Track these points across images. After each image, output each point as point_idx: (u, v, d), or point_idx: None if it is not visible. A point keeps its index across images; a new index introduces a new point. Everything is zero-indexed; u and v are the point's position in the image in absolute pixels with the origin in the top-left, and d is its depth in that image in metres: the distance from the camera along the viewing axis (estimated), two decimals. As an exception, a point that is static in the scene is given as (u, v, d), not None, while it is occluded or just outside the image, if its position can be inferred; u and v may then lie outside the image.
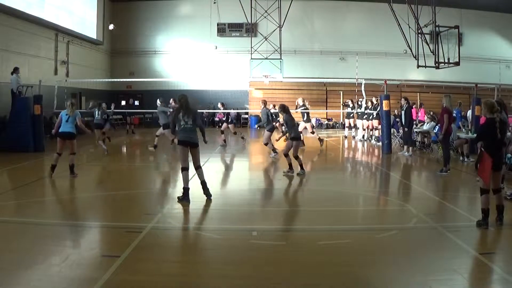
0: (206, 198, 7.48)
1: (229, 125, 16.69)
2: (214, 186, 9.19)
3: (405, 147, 14.19)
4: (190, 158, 7.48)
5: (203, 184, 7.46)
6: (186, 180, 7.32)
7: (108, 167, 11.67)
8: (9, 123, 14.59)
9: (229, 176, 10.91)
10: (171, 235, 5.89)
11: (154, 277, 4.27)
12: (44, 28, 19.93)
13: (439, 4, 18.39)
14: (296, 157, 10.08)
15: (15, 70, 15.26)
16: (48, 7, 19.75)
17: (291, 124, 10.16)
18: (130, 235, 5.46)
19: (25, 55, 18.45)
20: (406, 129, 13.96)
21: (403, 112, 13.97)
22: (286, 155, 10.17)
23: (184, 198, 7.22)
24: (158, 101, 14.30)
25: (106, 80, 25.98)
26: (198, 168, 7.49)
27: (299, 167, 10.07)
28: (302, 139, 11.59)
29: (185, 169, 7.34)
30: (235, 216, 6.98)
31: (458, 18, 24.75)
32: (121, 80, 24.06)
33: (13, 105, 14.59)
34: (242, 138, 17.77)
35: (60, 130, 9.35)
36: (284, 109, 10.36)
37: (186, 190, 7.26)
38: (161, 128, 14.04)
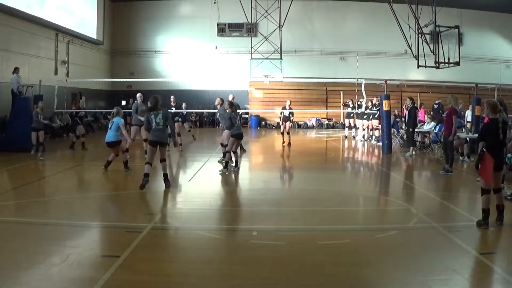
0: (205, 198, 7.47)
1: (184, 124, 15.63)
2: (214, 186, 9.20)
3: (411, 148, 14.01)
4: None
5: (165, 176, 8.37)
6: (147, 169, 8.23)
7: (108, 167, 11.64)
8: (9, 123, 14.58)
9: (228, 176, 10.90)
10: (171, 235, 5.89)
11: (154, 277, 4.27)
12: (44, 28, 19.93)
13: (439, 4, 18.38)
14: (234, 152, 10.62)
15: (15, 70, 15.26)
16: (48, 7, 19.75)
17: (234, 121, 10.40)
18: (130, 235, 5.46)
19: (25, 55, 18.45)
20: (410, 129, 13.92)
21: (407, 112, 14.01)
22: (234, 151, 10.61)
23: (143, 181, 8.12)
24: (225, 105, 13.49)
25: (106, 80, 25.99)
26: (162, 161, 8.41)
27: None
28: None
29: (148, 163, 8.30)
30: (235, 216, 6.99)
31: (458, 18, 24.73)
32: (121, 80, 24.06)
33: (13, 105, 14.59)
34: (193, 137, 17.22)
35: (106, 139, 10.26)
36: (232, 105, 10.64)
37: (146, 174, 8.18)
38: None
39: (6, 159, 11.25)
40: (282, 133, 16.91)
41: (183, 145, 14.96)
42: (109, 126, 10.29)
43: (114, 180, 9.95)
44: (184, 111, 19.22)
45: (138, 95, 13.15)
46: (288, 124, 16.77)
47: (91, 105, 23.54)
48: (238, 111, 14.52)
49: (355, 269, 4.55)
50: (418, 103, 23.19)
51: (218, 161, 12.01)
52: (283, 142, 16.66)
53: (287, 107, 16.92)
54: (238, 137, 10.48)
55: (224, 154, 11.67)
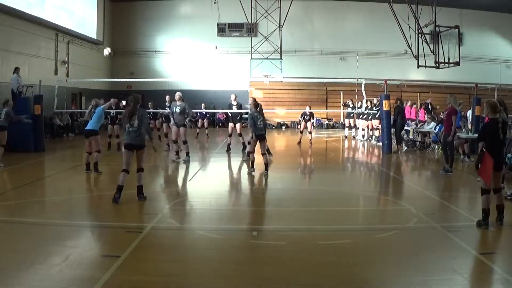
0: (205, 198, 7.46)
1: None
2: (214, 186, 9.20)
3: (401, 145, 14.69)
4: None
5: (139, 188, 7.29)
6: (122, 180, 7.13)
7: (108, 167, 11.64)
8: (9, 123, 14.56)
9: (229, 176, 10.91)
10: (171, 235, 5.89)
11: (154, 277, 4.27)
12: (44, 28, 19.93)
13: (439, 4, 18.37)
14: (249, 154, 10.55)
15: (16, 70, 15.26)
16: (48, 7, 19.75)
17: (256, 121, 10.18)
18: (130, 235, 5.47)
19: (25, 55, 18.45)
20: (392, 128, 14.64)
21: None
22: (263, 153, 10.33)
23: (115, 196, 7.05)
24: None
25: (106, 80, 25.99)
26: (139, 170, 7.33)
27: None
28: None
29: (125, 171, 7.20)
30: (235, 216, 6.98)
31: (458, 18, 24.75)
32: (121, 80, 24.07)
33: (14, 105, 14.56)
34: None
35: (86, 128, 9.80)
36: (257, 106, 10.39)
37: (119, 187, 7.09)
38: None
39: (6, 159, 11.24)
40: (301, 132, 17.89)
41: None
42: (91, 117, 9.87)
43: (114, 180, 9.94)
44: (204, 111, 20.09)
45: (178, 94, 12.44)
46: (309, 124, 17.69)
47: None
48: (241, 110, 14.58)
49: (355, 269, 4.55)
50: (418, 103, 23.24)
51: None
52: (300, 141, 17.42)
53: (307, 112, 17.66)
54: (259, 137, 10.28)
55: (248, 153, 12.01)
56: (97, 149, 9.73)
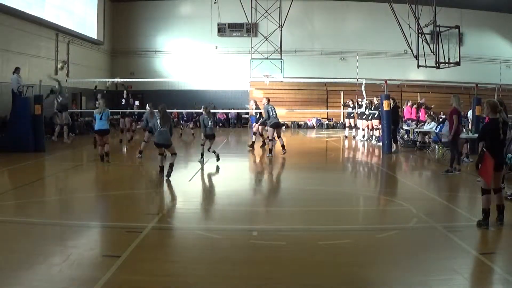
0: (204, 197, 7.46)
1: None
2: (215, 186, 9.21)
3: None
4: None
5: (170, 165, 9.22)
6: (160, 161, 9.54)
7: (108, 167, 11.65)
8: (9, 123, 14.58)
9: (229, 176, 10.90)
10: (171, 235, 5.89)
11: (154, 277, 4.27)
12: (44, 28, 19.93)
13: (439, 4, 18.36)
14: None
15: (16, 70, 15.25)
16: (49, 7, 19.76)
17: (207, 124, 11.83)
18: (130, 235, 5.46)
19: (25, 55, 18.45)
20: (393, 126, 14.63)
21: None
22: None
23: (160, 173, 9.36)
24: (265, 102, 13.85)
25: (106, 80, 25.97)
26: (173, 155, 9.45)
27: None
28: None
29: (160, 154, 9.55)
30: (235, 216, 6.98)
31: (458, 18, 24.73)
32: (121, 80, 24.05)
33: (14, 105, 14.58)
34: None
35: (96, 128, 11.62)
36: (206, 109, 12.04)
37: (161, 168, 9.45)
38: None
39: (6, 159, 11.25)
40: (262, 135, 15.56)
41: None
42: (99, 117, 11.44)
43: (114, 180, 9.96)
44: (184, 111, 20.48)
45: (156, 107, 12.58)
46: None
47: (91, 105, 23.55)
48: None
49: (355, 269, 4.55)
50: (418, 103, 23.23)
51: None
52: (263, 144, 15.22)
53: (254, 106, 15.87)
54: (209, 136, 11.85)
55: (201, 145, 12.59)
56: (107, 141, 11.43)
